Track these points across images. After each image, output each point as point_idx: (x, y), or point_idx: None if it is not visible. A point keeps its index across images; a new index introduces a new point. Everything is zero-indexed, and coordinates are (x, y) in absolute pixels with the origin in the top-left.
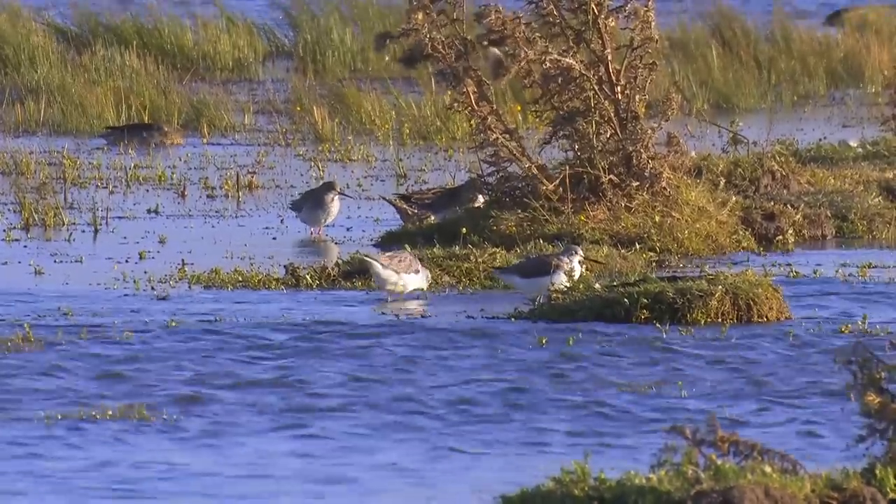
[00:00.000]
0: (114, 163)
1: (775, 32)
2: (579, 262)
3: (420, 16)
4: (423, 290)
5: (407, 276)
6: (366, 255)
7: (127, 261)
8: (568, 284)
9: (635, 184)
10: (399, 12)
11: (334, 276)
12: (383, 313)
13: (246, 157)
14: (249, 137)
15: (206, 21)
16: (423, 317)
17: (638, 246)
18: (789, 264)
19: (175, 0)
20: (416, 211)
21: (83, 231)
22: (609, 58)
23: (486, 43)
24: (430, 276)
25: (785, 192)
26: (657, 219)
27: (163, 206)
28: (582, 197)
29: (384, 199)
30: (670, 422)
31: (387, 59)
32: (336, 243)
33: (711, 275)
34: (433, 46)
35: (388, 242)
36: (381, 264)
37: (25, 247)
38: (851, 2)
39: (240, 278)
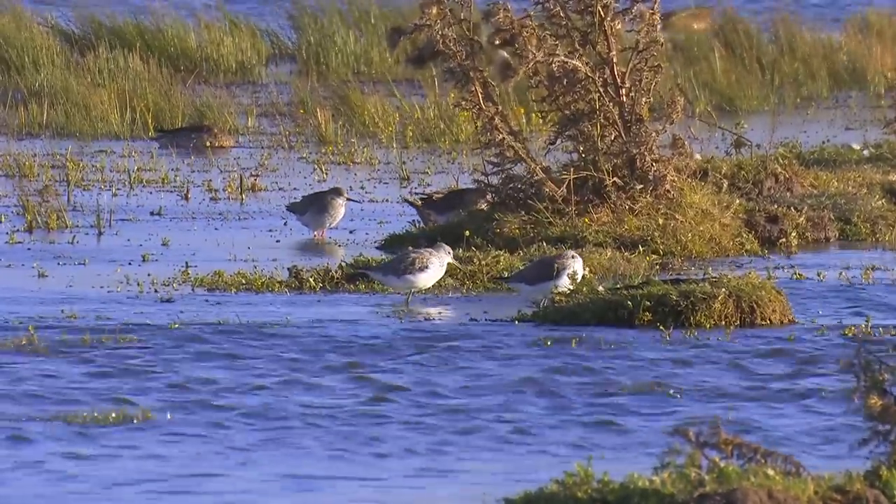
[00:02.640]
0: (117, 165)
1: (779, 34)
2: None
3: (434, 11)
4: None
5: (411, 275)
6: (358, 267)
7: (130, 263)
8: (571, 287)
9: (639, 186)
10: (400, 15)
11: (337, 278)
12: (387, 316)
13: (249, 159)
14: (253, 140)
15: (209, 23)
16: (426, 320)
17: (641, 248)
18: (793, 267)
19: (178, 2)
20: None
21: (86, 233)
22: (614, 60)
23: (496, 42)
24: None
25: (788, 194)
26: (661, 221)
27: (166, 209)
28: (586, 199)
29: (406, 200)
30: (674, 424)
31: (390, 61)
32: (339, 245)
33: (715, 277)
34: (444, 43)
35: (392, 245)
36: (380, 272)
37: (29, 249)
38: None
39: (243, 281)
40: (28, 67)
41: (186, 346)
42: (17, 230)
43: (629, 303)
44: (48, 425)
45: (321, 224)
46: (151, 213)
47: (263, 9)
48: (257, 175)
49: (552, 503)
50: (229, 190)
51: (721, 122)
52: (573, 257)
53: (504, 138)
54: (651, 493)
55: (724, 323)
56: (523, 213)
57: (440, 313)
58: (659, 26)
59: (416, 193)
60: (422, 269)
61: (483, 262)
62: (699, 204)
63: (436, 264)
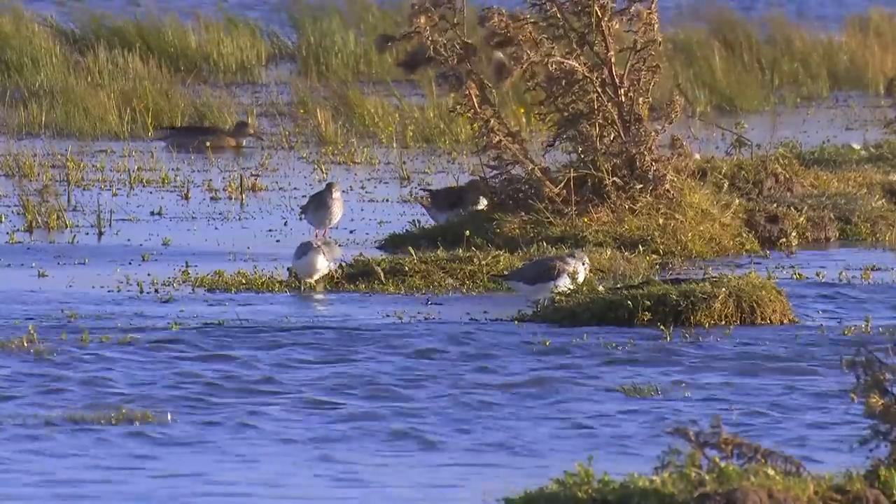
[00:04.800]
0: (117, 165)
1: (776, 35)
2: (584, 265)
3: (422, 19)
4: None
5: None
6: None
7: (130, 263)
8: (571, 287)
9: (639, 186)
10: (400, 14)
11: (338, 278)
12: (387, 315)
13: (249, 159)
14: (253, 140)
15: (208, 23)
16: (426, 319)
17: (641, 248)
18: (793, 267)
19: (178, 2)
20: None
21: (87, 233)
22: (612, 60)
23: (492, 43)
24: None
25: (788, 194)
26: (661, 221)
27: (166, 209)
28: (585, 199)
29: (414, 198)
30: (674, 424)
31: (390, 61)
32: (339, 245)
33: (715, 277)
34: (435, 50)
35: (392, 244)
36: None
37: (29, 249)
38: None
39: (243, 281)
40: (28, 67)
41: (186, 346)
42: (17, 230)
43: (629, 303)
44: (48, 425)
45: (321, 222)
46: (151, 213)
47: (263, 9)
48: (257, 175)
49: (552, 503)
50: (229, 190)
51: (721, 122)
52: (574, 258)
53: (501, 140)
54: (651, 493)
55: (724, 323)
56: (523, 213)
57: (440, 313)
58: (657, 26)
59: (424, 190)
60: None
61: (483, 262)
62: (699, 204)
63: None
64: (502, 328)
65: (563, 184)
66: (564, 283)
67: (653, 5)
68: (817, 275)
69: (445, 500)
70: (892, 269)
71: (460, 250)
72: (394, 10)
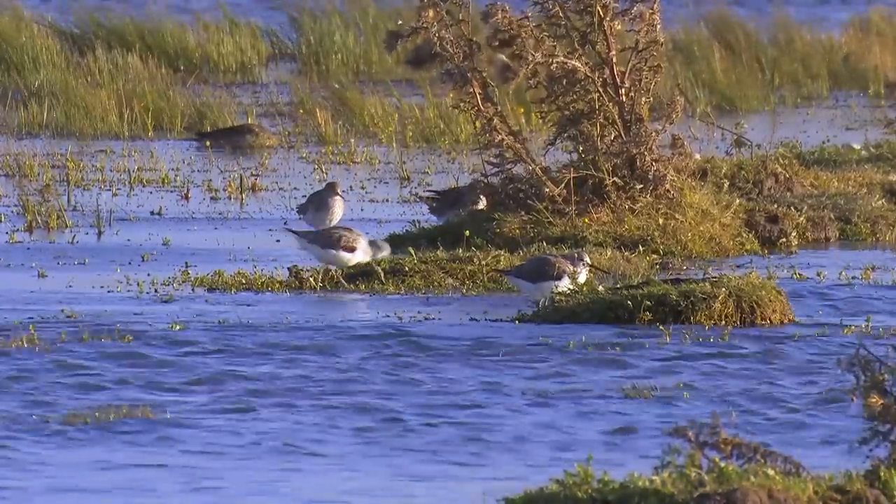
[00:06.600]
0: (117, 165)
1: (777, 35)
2: (585, 266)
3: (430, 13)
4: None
5: (335, 251)
6: (291, 231)
7: (130, 263)
8: (572, 287)
9: (639, 186)
10: (399, 14)
11: (337, 278)
12: (387, 316)
13: (249, 159)
14: (253, 140)
15: (208, 23)
16: (426, 319)
17: (641, 248)
18: (793, 267)
19: (178, 2)
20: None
21: (86, 233)
22: (614, 60)
23: (495, 44)
24: (383, 250)
25: (788, 194)
26: (661, 221)
27: (166, 209)
28: (586, 199)
29: (419, 196)
30: (673, 424)
31: (390, 61)
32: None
33: (715, 277)
34: (441, 45)
35: (392, 244)
36: (307, 240)
37: (28, 249)
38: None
39: (243, 280)
40: (28, 67)
41: (185, 346)
42: (17, 230)
43: (629, 303)
44: (48, 425)
45: (321, 223)
46: (151, 213)
47: (263, 9)
48: (257, 175)
49: (552, 503)
50: (229, 190)
51: (721, 122)
52: (579, 260)
53: (503, 139)
54: (651, 493)
55: (723, 322)
56: (523, 213)
57: (440, 313)
58: (659, 26)
59: (430, 190)
60: (336, 248)
61: (483, 262)
62: (699, 204)
63: (360, 250)
64: (502, 328)
65: (563, 184)
66: (565, 284)
67: (655, 5)
68: (817, 275)
69: (444, 499)
70: (893, 268)
71: (460, 250)
72: (392, 10)
